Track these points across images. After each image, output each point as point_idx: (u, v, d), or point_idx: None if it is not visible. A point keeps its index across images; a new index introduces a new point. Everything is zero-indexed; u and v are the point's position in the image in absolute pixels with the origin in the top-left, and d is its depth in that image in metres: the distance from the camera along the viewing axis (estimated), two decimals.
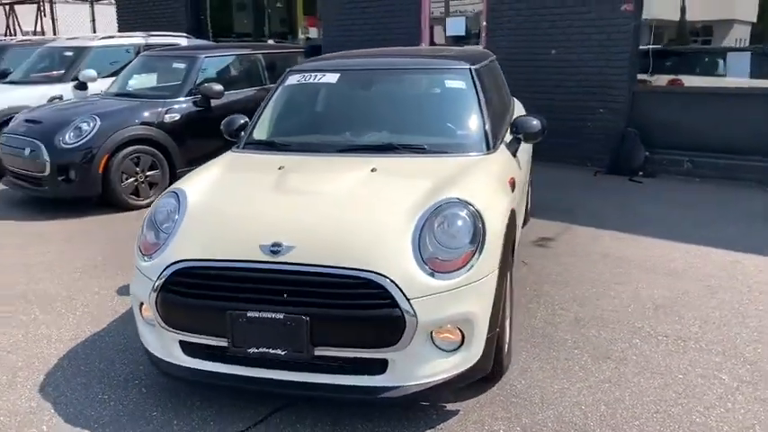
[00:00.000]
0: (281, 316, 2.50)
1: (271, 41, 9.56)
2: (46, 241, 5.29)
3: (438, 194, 2.78)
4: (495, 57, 5.10)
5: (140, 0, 12.62)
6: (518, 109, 5.20)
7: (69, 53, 8.32)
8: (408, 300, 2.46)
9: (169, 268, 2.66)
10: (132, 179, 6.18)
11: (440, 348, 2.60)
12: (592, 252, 4.79)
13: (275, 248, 2.56)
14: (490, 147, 3.43)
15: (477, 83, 3.68)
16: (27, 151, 6.02)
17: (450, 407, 2.83)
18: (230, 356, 2.64)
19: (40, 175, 6.00)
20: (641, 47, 7.48)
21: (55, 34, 13.29)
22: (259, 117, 3.85)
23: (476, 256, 2.61)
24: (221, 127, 3.95)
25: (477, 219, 2.69)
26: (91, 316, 3.84)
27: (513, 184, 3.35)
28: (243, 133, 3.82)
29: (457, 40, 8.77)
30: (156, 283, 2.67)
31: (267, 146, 3.63)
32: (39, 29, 14.49)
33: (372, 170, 3.08)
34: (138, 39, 8.86)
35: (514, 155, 3.67)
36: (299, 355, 2.53)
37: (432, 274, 2.54)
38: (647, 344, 3.37)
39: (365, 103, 3.85)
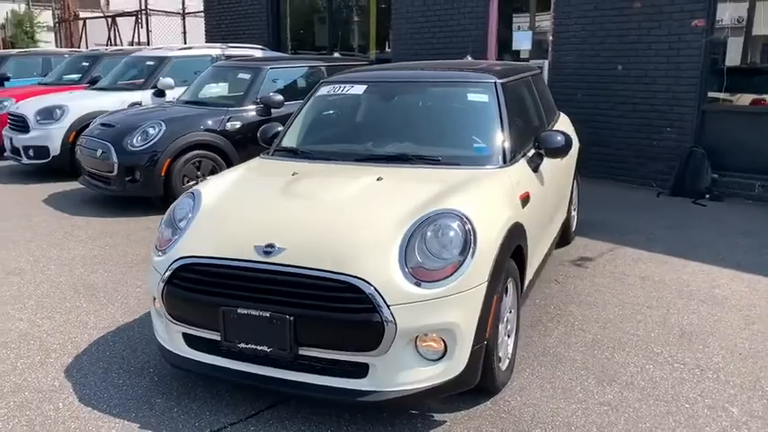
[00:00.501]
0: (267, 314, 2.61)
1: (337, 54, 9.81)
2: (107, 236, 5.66)
3: (434, 205, 2.82)
4: (540, 71, 5.06)
5: (226, 13, 13.25)
6: (562, 124, 5.12)
7: (151, 62, 8.87)
8: (388, 306, 2.51)
9: (175, 263, 2.84)
10: (193, 182, 6.50)
11: (423, 356, 2.63)
12: (631, 274, 4.63)
13: (268, 249, 2.68)
14: (506, 160, 3.42)
15: (501, 97, 3.67)
16: (99, 152, 6.48)
17: (437, 416, 2.84)
18: (224, 350, 2.78)
19: (109, 175, 6.44)
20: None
21: (149, 44, 14.17)
22: (290, 126, 4.00)
23: (462, 267, 2.63)
24: (258, 134, 4.14)
25: (468, 230, 2.70)
26: (128, 307, 4.10)
27: (526, 199, 3.33)
28: (276, 140, 3.99)
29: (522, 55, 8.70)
30: (164, 277, 2.85)
31: (292, 153, 3.77)
32: (136, 39, 15.49)
33: (378, 179, 3.15)
34: (215, 50, 9.32)
35: (536, 170, 3.64)
36: (283, 353, 2.63)
37: (415, 283, 2.57)
38: (660, 370, 3.25)
39: (388, 114, 3.93)
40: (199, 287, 2.77)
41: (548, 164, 3.84)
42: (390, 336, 2.52)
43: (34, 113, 8.04)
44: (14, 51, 13.58)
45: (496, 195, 3.10)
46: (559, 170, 4.37)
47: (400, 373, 2.60)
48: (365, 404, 2.66)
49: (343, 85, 3.97)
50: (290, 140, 3.92)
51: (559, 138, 3.62)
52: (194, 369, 2.92)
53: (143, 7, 14.99)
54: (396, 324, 2.50)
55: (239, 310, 2.65)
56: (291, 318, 2.57)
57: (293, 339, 2.60)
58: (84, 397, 3.04)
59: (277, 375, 2.71)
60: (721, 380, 3.15)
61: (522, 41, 8.57)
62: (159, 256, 2.99)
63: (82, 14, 19.11)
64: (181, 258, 2.83)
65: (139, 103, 8.33)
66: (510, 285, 3.10)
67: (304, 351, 2.63)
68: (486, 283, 2.70)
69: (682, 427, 2.76)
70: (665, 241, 5.38)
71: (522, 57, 8.73)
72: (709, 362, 3.33)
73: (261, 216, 2.95)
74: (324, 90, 4.06)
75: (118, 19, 15.77)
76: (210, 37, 13.65)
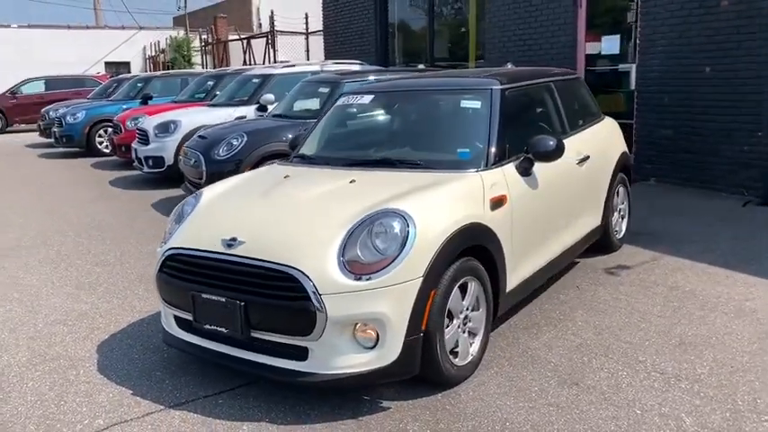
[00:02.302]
0: (223, 299, 2.96)
1: (421, 66, 10.06)
2: None
3: (383, 204, 3.02)
4: (574, 76, 5.03)
5: (341, 32, 13.98)
6: (601, 129, 5.02)
7: (256, 80, 9.67)
8: (320, 295, 2.75)
9: (165, 253, 3.28)
10: None
11: (359, 343, 2.85)
12: (661, 284, 4.45)
13: (231, 242, 3.03)
14: (487, 164, 3.51)
15: (497, 103, 3.74)
16: (192, 161, 7.26)
17: (385, 403, 3.02)
18: (197, 330, 3.16)
19: (200, 182, 7.16)
20: None
21: (275, 63, 15.29)
22: (309, 134, 4.35)
23: (395, 262, 2.81)
24: (287, 143, 4.53)
25: (406, 228, 2.87)
26: None
27: (499, 202, 3.39)
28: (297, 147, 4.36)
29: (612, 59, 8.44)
30: (158, 265, 3.31)
31: (302, 159, 4.11)
32: (268, 59, 16.75)
33: (351, 182, 3.40)
34: (315, 66, 9.95)
35: (525, 173, 3.67)
36: (236, 335, 2.97)
37: (349, 275, 2.80)
38: (632, 377, 3.18)
39: (388, 121, 4.17)
40: (179, 274, 3.18)
41: (553, 168, 3.86)
42: (322, 322, 2.76)
43: (153, 128, 9.10)
44: (158, 73, 15.24)
45: (454, 197, 3.22)
46: (578, 175, 4.33)
47: (336, 357, 2.83)
48: (304, 384, 2.92)
49: (356, 96, 4.26)
50: (306, 147, 4.26)
51: (550, 143, 3.64)
52: (182, 347, 3.33)
53: (272, 29, 16.22)
54: (326, 312, 2.74)
55: (203, 295, 3.03)
56: (242, 303, 2.90)
57: (245, 322, 2.92)
58: (103, 366, 3.57)
59: (236, 354, 3.04)
60: (693, 391, 3.03)
61: (609, 46, 8.33)
62: (161, 247, 3.45)
63: (230, 37, 20.95)
64: (169, 249, 3.27)
65: (244, 117, 9.11)
66: (472, 284, 3.20)
67: (256, 333, 2.95)
68: (422, 278, 2.85)
69: (621, 431, 2.73)
70: (722, 252, 5.06)
71: (605, 62, 8.49)
72: (691, 372, 3.20)
73: (237, 213, 3.31)
74: (341, 101, 4.37)
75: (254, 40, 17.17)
76: (328, 54, 14.47)
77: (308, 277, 2.78)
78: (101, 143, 13.12)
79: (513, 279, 3.59)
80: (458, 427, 2.82)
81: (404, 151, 3.78)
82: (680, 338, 3.59)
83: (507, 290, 3.55)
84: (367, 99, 4.17)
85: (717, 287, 4.35)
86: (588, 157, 4.44)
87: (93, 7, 31.61)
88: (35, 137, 16.91)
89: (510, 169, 3.62)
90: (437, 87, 4.16)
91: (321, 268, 2.81)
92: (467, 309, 3.20)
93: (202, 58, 21.84)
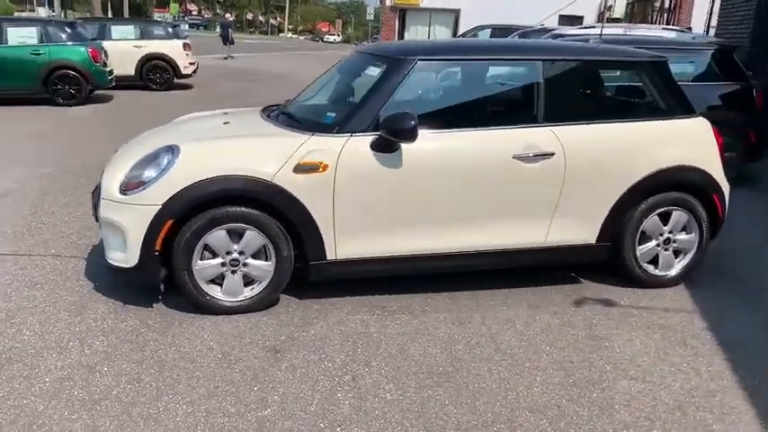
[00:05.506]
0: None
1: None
2: None
3: (185, 142, 3.53)
4: (629, 59, 4.09)
5: None
6: (645, 131, 3.95)
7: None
8: (101, 198, 3.55)
9: None
10: None
11: (120, 243, 3.51)
12: (589, 332, 3.51)
13: (116, 150, 4.02)
14: (333, 131, 3.50)
15: (391, 75, 3.56)
16: None
17: (172, 311, 3.58)
18: None
19: None
20: None
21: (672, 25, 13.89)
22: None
23: (144, 186, 3.39)
24: None
25: (169, 162, 3.38)
26: None
27: (307, 167, 3.39)
28: None
29: None
30: None
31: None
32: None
33: (225, 123, 3.95)
34: (617, 29, 9.13)
35: (380, 149, 3.46)
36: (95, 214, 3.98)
37: (119, 190, 3.48)
38: (363, 378, 3.02)
39: (333, 80, 4.26)
40: None
41: (453, 152, 3.59)
42: (99, 220, 3.58)
43: None
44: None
45: (245, 150, 3.48)
46: (516, 171, 3.66)
47: (109, 250, 3.59)
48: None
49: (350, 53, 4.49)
50: None
51: (408, 122, 3.35)
52: None
53: None
54: (99, 212, 3.54)
55: None
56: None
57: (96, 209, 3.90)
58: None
59: None
60: (360, 409, 2.77)
61: None
62: None
63: None
64: None
65: None
66: (250, 233, 3.44)
67: None
68: (160, 206, 3.33)
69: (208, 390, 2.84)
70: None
71: None
72: (401, 398, 2.85)
73: (154, 133, 4.16)
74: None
75: None
76: (719, 20, 12.56)
77: (103, 185, 3.59)
78: None
79: (343, 250, 3.57)
80: (163, 340, 3.28)
81: (307, 108, 3.98)
82: (468, 376, 3.05)
83: (330, 258, 3.57)
84: (346, 56, 4.38)
85: (697, 360, 3.24)
86: (552, 154, 3.68)
87: None
88: None
89: (359, 142, 3.48)
90: (377, 52, 4.05)
91: (111, 180, 3.55)
92: (238, 253, 3.47)
93: (629, 15, 20.91)
